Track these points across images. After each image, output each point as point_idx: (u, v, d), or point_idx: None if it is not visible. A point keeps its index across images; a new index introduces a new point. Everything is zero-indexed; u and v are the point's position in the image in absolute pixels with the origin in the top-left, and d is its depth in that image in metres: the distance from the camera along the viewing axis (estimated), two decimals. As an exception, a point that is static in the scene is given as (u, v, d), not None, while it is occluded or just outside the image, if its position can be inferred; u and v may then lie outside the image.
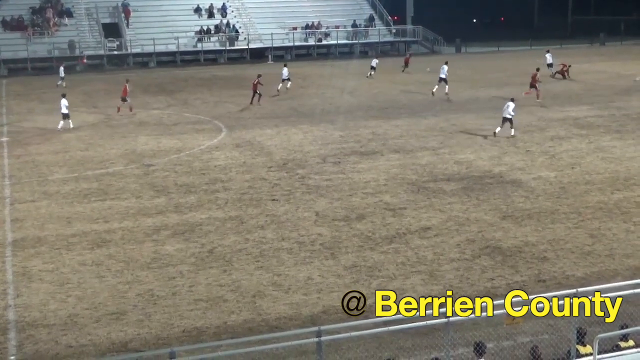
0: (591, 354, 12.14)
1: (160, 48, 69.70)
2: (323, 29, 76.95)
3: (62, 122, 38.43)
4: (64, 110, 38.48)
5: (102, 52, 68.97)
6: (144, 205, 25.15)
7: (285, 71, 51.38)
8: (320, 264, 19.81)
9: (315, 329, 11.64)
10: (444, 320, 11.76)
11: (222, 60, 72.40)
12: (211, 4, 76.53)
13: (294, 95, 48.72)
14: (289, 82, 51.18)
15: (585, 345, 12.74)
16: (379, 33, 79.75)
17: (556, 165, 29.25)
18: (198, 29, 73.10)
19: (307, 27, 76.63)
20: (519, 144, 32.85)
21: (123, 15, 71.86)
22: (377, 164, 30.08)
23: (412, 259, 19.96)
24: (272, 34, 73.16)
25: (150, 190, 26.91)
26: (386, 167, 29.51)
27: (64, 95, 39.42)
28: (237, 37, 73.99)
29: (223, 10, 76.38)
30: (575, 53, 67.61)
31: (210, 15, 75.96)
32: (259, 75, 46.16)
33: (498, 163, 29.79)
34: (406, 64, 60.95)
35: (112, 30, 71.05)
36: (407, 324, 12.23)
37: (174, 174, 29.10)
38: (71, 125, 38.54)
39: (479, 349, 12.47)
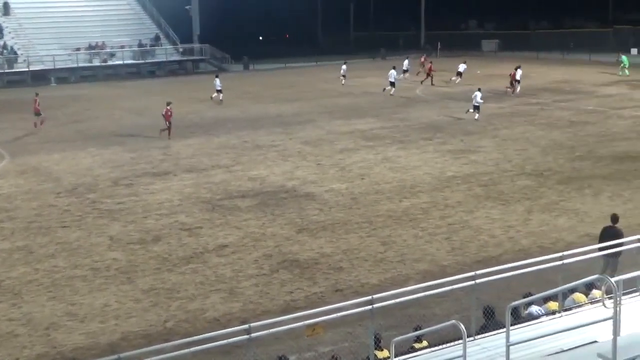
0: (389, 358, 12.53)
1: None
2: (108, 49, 75.28)
3: None
4: None
5: None
6: None
7: (217, 82, 52.45)
8: (116, 289, 19.26)
9: (114, 357, 11.28)
10: (245, 337, 11.74)
11: (1, 83, 68.92)
12: (-14, 25, 72.92)
13: (80, 119, 47.16)
14: (221, 94, 51.94)
15: (382, 350, 13.14)
16: (166, 52, 79.14)
17: (347, 177, 30.13)
18: (-28, 51, 69.43)
19: (90, 47, 74.60)
20: (310, 158, 33.58)
21: None
22: (170, 185, 29.71)
23: (211, 278, 19.85)
24: (54, 55, 70.64)
25: None
26: (180, 187, 29.21)
27: None
28: (17, 59, 70.80)
29: (-1, 32, 72.96)
30: (359, 67, 70.04)
31: (-14, 36, 72.34)
32: (169, 103, 39.91)
33: (291, 177, 30.27)
34: (425, 69, 60.41)
35: None
36: (208, 343, 12.11)
37: (-47, 206, 27.33)
38: None
39: (282, 362, 12.54)
